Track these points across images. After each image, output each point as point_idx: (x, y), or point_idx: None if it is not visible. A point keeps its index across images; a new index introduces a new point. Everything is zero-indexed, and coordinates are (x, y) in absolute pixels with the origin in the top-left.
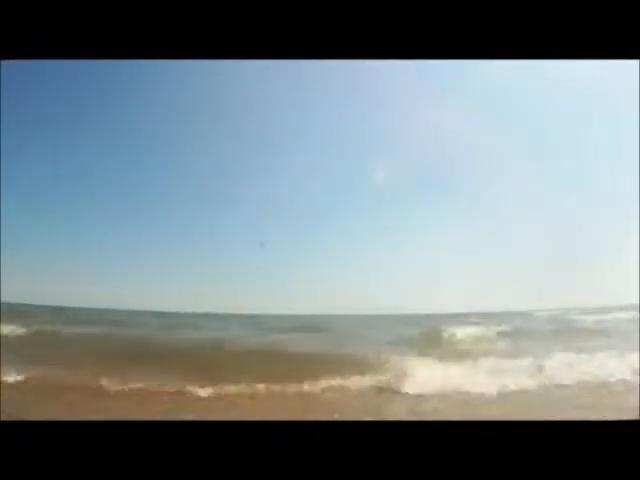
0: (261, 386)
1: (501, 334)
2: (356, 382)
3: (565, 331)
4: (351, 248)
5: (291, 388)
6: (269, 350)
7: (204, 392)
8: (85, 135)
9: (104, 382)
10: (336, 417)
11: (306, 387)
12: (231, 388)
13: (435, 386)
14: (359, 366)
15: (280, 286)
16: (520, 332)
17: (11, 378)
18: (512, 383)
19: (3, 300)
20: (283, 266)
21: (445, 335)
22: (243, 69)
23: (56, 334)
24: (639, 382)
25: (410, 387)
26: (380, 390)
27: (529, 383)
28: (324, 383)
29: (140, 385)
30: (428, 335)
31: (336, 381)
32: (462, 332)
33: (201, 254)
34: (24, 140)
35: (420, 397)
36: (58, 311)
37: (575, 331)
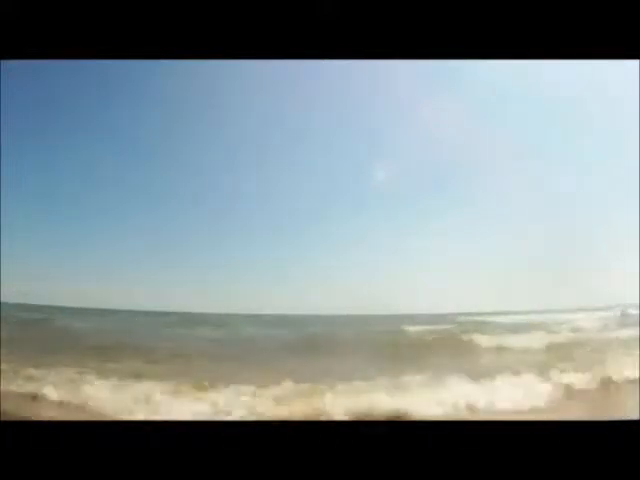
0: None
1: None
2: None
3: None
4: (351, 248)
5: None
6: None
7: None
8: (85, 135)
9: None
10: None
11: None
12: None
13: None
14: None
15: (280, 286)
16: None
17: None
18: None
19: (3, 300)
20: (283, 265)
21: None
22: (243, 69)
23: None
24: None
25: None
26: None
27: None
28: None
29: None
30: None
31: None
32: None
33: (201, 253)
34: (24, 140)
35: None
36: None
37: None
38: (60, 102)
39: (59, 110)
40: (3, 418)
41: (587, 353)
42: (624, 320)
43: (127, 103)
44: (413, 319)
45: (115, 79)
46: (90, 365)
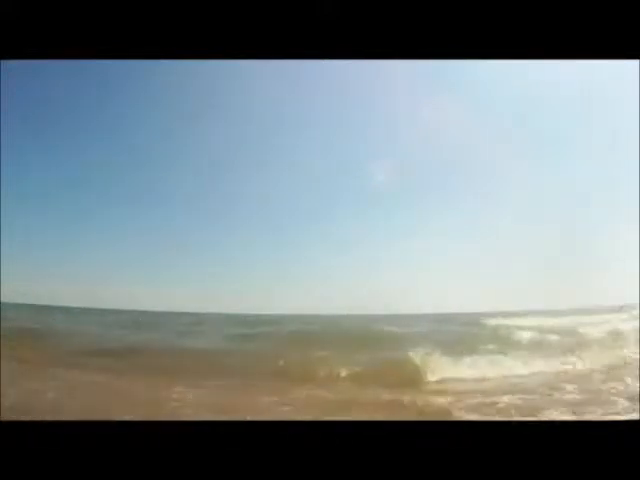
0: None
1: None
2: None
3: None
4: (351, 248)
5: None
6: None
7: None
8: (85, 135)
9: None
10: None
11: None
12: None
13: None
14: None
15: (280, 286)
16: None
17: None
18: None
19: (3, 300)
20: (282, 266)
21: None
22: (243, 69)
23: None
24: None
25: None
26: None
27: None
28: None
29: None
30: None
31: None
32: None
33: (201, 253)
34: (24, 140)
35: None
36: None
37: None
38: (60, 102)
39: (59, 110)
40: (3, 418)
41: None
42: None
43: (127, 103)
44: (412, 319)
45: (115, 79)
46: None
